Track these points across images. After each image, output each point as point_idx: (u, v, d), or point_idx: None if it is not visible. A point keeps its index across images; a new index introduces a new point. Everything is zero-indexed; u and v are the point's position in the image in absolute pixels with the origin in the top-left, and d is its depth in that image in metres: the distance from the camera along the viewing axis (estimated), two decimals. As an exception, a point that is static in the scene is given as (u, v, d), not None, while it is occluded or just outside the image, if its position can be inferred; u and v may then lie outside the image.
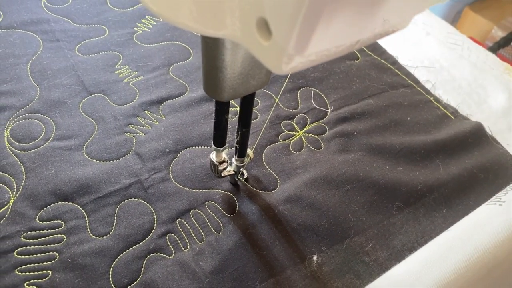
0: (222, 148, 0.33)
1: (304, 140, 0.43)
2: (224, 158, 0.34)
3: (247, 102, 0.30)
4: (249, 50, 0.18)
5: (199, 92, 0.46)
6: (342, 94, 0.48)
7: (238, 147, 0.34)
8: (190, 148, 0.41)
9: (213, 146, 0.32)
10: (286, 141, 0.43)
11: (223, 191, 0.38)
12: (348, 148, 0.43)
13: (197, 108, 0.44)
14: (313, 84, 0.48)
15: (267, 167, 0.40)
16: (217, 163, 0.34)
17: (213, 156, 0.34)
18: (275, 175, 0.40)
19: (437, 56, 0.55)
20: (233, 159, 0.35)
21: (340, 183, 0.39)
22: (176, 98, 0.45)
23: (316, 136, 0.44)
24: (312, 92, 0.48)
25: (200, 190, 0.38)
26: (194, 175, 0.39)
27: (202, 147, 0.41)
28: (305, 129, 0.44)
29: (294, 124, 0.44)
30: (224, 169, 0.35)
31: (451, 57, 0.55)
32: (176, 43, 0.51)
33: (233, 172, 0.36)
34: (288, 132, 0.44)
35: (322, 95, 0.48)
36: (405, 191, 0.39)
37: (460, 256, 0.31)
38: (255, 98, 0.45)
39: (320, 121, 0.45)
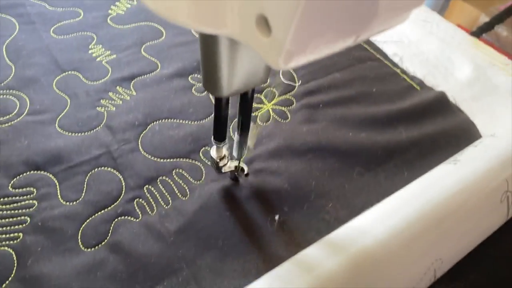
0: (222, 144, 0.33)
1: (271, 112, 0.45)
2: (225, 153, 0.34)
3: (247, 98, 0.30)
4: (249, 47, 0.18)
5: (170, 69, 0.47)
6: (310, 69, 0.49)
7: (238, 142, 0.33)
8: (160, 121, 0.42)
9: (213, 141, 0.32)
10: (254, 113, 0.44)
11: (190, 160, 0.39)
12: (313, 119, 0.44)
13: (168, 84, 0.45)
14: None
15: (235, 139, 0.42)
16: (218, 159, 0.34)
17: (213, 152, 0.34)
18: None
19: (406, 32, 0.57)
20: (234, 154, 0.35)
21: (303, 151, 0.41)
22: (148, 75, 0.46)
23: (283, 108, 0.45)
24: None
25: (168, 160, 0.39)
26: (162, 146, 0.40)
27: (172, 120, 0.42)
28: (273, 102, 0.46)
29: (263, 98, 0.46)
30: (225, 165, 0.35)
31: (421, 33, 0.57)
32: (149, 23, 0.52)
33: (233, 168, 0.36)
34: (256, 104, 0.45)
35: (291, 71, 0.49)
36: (367, 157, 0.41)
37: (411, 208, 0.32)
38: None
39: (288, 94, 0.47)
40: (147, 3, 0.18)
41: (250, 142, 0.34)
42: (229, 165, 0.35)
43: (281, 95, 0.46)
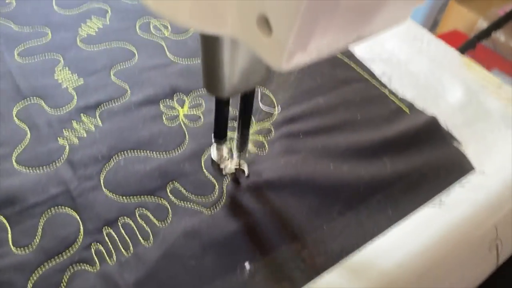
0: (223, 140, 0.33)
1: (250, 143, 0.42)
2: (225, 156, 0.34)
3: (247, 98, 0.29)
4: (250, 47, 0.18)
5: (140, 95, 0.44)
6: (292, 93, 0.46)
7: (238, 142, 0.33)
8: (125, 154, 0.39)
9: (213, 140, 0.32)
10: (227, 144, 0.41)
11: (156, 199, 0.36)
12: (292, 150, 0.41)
13: (136, 112, 0.42)
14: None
15: (206, 173, 0.39)
16: (218, 160, 0.34)
17: (213, 153, 0.34)
18: (214, 180, 0.38)
19: (395, 50, 0.54)
20: (234, 154, 0.34)
21: (280, 187, 0.38)
22: (115, 102, 0.43)
23: (260, 137, 0.42)
24: (259, 92, 0.46)
25: (132, 198, 0.36)
26: (126, 183, 0.37)
27: (139, 152, 0.39)
28: (250, 131, 0.43)
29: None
30: (225, 166, 0.35)
31: (410, 51, 0.54)
32: (122, 44, 0.49)
33: (234, 170, 0.36)
34: (230, 133, 0.42)
35: (270, 95, 0.46)
36: (348, 193, 0.38)
37: (390, 262, 0.29)
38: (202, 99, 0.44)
39: (266, 122, 0.44)
40: (147, 3, 0.19)
41: (250, 144, 0.34)
42: (230, 166, 0.35)
43: (258, 123, 0.43)
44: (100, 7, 0.53)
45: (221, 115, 0.30)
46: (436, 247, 0.30)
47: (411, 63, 0.52)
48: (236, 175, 0.38)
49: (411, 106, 0.47)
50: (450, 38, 1.34)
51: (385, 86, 0.48)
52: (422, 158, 0.41)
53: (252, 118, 0.43)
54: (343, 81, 0.48)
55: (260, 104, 0.45)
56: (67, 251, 0.33)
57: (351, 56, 0.51)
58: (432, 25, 1.52)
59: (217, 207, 0.36)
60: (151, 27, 0.51)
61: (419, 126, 0.44)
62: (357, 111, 0.45)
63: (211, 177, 0.38)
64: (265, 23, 0.16)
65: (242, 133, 0.33)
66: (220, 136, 0.32)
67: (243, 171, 0.37)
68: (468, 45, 1.04)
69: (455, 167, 0.41)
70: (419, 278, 0.28)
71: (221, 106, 0.29)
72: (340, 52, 0.19)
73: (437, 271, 0.29)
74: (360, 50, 0.52)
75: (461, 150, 0.43)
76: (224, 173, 0.35)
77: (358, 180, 0.39)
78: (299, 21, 0.14)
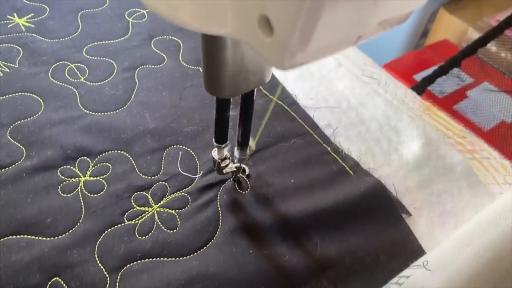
0: (224, 145, 0.32)
1: (156, 218, 0.35)
2: (226, 155, 0.34)
3: (248, 99, 0.29)
4: (251, 47, 0.18)
5: (35, 159, 0.37)
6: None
7: (239, 139, 0.32)
8: (3, 240, 0.33)
9: (214, 143, 0.32)
10: (132, 222, 0.35)
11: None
12: (206, 229, 0.35)
13: (28, 181, 0.36)
14: (184, 141, 0.40)
15: (98, 262, 0.32)
16: (219, 160, 0.33)
17: (214, 153, 0.33)
18: (106, 273, 0.32)
19: (346, 93, 0.47)
20: (235, 152, 0.33)
21: (183, 284, 0.31)
22: (5, 169, 0.37)
23: (173, 211, 0.36)
24: (181, 152, 0.40)
25: (0, 301, 0.30)
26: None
27: (19, 237, 0.33)
28: (161, 202, 0.36)
29: (149, 197, 0.36)
30: (226, 165, 0.34)
31: (363, 94, 0.47)
32: (26, 94, 0.43)
33: (234, 169, 0.36)
34: (138, 208, 0.36)
35: (194, 155, 0.40)
36: (267, 288, 0.31)
37: None
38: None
39: (183, 190, 0.37)
40: (149, 4, 0.19)
41: (252, 142, 0.33)
42: (230, 166, 0.35)
43: (173, 192, 0.37)
44: (10, 47, 0.47)
45: (222, 118, 0.29)
46: None
47: (363, 107, 0.46)
48: (237, 176, 0.37)
49: (356, 166, 0.40)
50: (439, 48, 1.28)
51: (328, 142, 0.42)
52: (360, 238, 0.35)
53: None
54: (281, 136, 0.42)
55: (179, 167, 0.38)
56: None
57: (292, 103, 0.45)
58: (422, 34, 1.47)
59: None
60: (66, 72, 0.45)
61: (361, 194, 0.37)
62: (290, 175, 0.38)
63: (102, 268, 0.32)
64: (266, 23, 0.16)
65: (243, 130, 0.32)
66: (220, 141, 0.32)
67: (244, 171, 0.37)
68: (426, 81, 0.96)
69: (400, 248, 0.34)
70: None
71: (222, 108, 0.29)
72: (340, 52, 0.19)
73: None
74: (305, 96, 0.46)
75: (409, 226, 0.36)
76: (224, 172, 0.34)
77: (281, 268, 0.32)
78: (300, 21, 0.14)
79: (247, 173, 0.38)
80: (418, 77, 1.06)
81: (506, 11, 1.23)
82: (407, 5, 0.18)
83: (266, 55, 0.17)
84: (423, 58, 1.23)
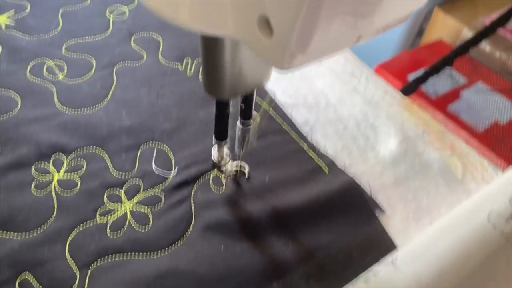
0: (223, 142, 0.32)
1: (129, 215, 0.35)
2: (225, 154, 0.34)
3: (248, 99, 0.29)
4: (250, 48, 0.18)
5: (9, 156, 0.37)
6: (193, 150, 0.40)
7: (243, 108, 0.31)
8: (-26, 236, 0.33)
9: (214, 140, 0.32)
10: (104, 218, 0.35)
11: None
12: (178, 227, 0.35)
13: (1, 179, 0.36)
14: (160, 138, 0.40)
15: (69, 258, 0.32)
16: (218, 162, 0.34)
17: (214, 153, 0.33)
18: (76, 269, 0.32)
19: (325, 91, 0.47)
20: (238, 123, 0.32)
21: (153, 280, 0.31)
22: (-21, 167, 0.37)
23: (146, 209, 0.36)
24: (156, 149, 0.40)
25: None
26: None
27: (-9, 234, 0.33)
28: (134, 199, 0.36)
29: (122, 194, 0.36)
30: (225, 165, 0.35)
31: (342, 91, 0.47)
32: (3, 92, 0.42)
33: (235, 167, 0.36)
34: (111, 205, 0.36)
35: (168, 153, 0.40)
36: (237, 285, 0.31)
37: None
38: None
39: (156, 187, 0.37)
40: (148, 4, 0.19)
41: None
42: (231, 164, 0.35)
43: (147, 189, 0.37)
44: (-11, 45, 0.47)
45: (222, 116, 0.30)
46: None
47: (342, 105, 0.46)
48: (237, 178, 0.38)
49: (331, 164, 0.40)
50: (434, 48, 1.28)
51: (304, 139, 0.42)
52: (331, 236, 0.35)
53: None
54: (257, 133, 0.42)
55: (153, 164, 0.38)
56: None
57: (271, 102, 0.45)
58: (417, 34, 1.46)
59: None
60: (44, 69, 0.45)
61: (336, 191, 0.37)
62: (265, 172, 0.38)
63: (73, 263, 0.32)
64: (266, 24, 0.16)
65: (242, 130, 0.32)
66: (220, 137, 0.32)
67: (244, 173, 0.37)
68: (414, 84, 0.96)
69: (371, 247, 0.34)
70: None
71: (222, 107, 0.29)
72: (340, 52, 0.19)
73: None
74: (284, 93, 0.46)
75: (382, 223, 0.36)
76: (224, 175, 0.35)
77: (252, 266, 0.32)
78: (300, 22, 0.14)
79: (247, 170, 0.37)
80: (413, 76, 1.05)
81: (501, 11, 1.23)
82: (407, 6, 0.18)
83: (266, 56, 0.17)
84: (418, 57, 1.22)
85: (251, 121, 0.32)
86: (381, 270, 0.31)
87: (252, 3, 0.16)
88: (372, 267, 0.32)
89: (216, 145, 0.33)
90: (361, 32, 0.17)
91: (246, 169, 0.37)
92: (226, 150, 0.34)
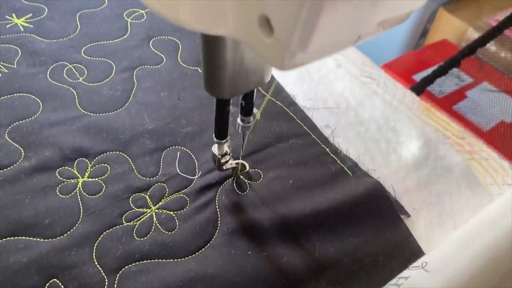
0: (224, 141, 0.33)
1: (155, 219, 0.35)
2: (226, 151, 0.34)
3: (248, 99, 0.29)
4: (250, 48, 0.18)
5: (33, 159, 0.37)
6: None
7: (243, 105, 0.31)
8: (1, 241, 0.33)
9: (214, 139, 0.32)
10: (130, 223, 0.35)
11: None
12: (204, 230, 0.34)
13: (26, 182, 0.36)
14: (183, 142, 0.40)
15: (96, 263, 0.32)
16: (219, 156, 0.34)
17: (215, 149, 0.34)
18: (104, 275, 0.32)
19: (345, 93, 0.47)
20: (238, 119, 0.32)
21: (181, 285, 0.31)
22: (3, 170, 0.37)
23: (171, 213, 0.36)
24: (179, 153, 0.40)
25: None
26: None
27: (16, 238, 0.33)
28: (159, 203, 0.36)
29: (147, 198, 0.36)
30: (226, 161, 0.35)
31: (362, 94, 0.47)
32: (25, 95, 0.42)
33: (235, 165, 0.36)
34: (136, 209, 0.36)
35: (192, 156, 0.40)
36: (265, 289, 0.31)
37: None
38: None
39: (182, 191, 0.37)
40: (148, 3, 0.19)
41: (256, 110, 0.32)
42: (231, 162, 0.35)
43: (172, 193, 0.37)
44: (8, 48, 0.47)
45: (222, 116, 0.30)
46: None
47: (362, 107, 0.46)
48: (237, 172, 0.38)
49: (355, 166, 0.40)
50: (439, 48, 1.28)
51: (327, 142, 0.42)
52: (359, 239, 0.35)
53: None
54: (279, 137, 0.42)
55: (177, 168, 0.38)
56: None
57: (291, 104, 0.45)
58: (422, 34, 1.47)
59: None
60: (64, 72, 0.45)
61: (359, 195, 0.37)
62: (289, 176, 0.38)
63: (101, 269, 0.32)
64: (266, 23, 0.16)
65: (242, 127, 0.32)
66: (221, 136, 0.32)
67: (244, 166, 0.38)
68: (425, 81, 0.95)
69: (398, 250, 0.34)
70: None
71: (222, 107, 0.29)
72: (339, 52, 0.18)
73: None
74: (304, 96, 0.46)
75: (407, 227, 0.36)
76: (224, 168, 0.35)
77: (279, 270, 0.32)
78: (300, 21, 0.14)
79: (247, 169, 0.38)
80: (418, 77, 1.05)
81: (506, 11, 1.23)
82: (407, 5, 0.18)
83: (266, 56, 0.17)
84: (423, 58, 1.22)
85: (251, 118, 0.32)
86: (412, 274, 0.31)
87: (253, 3, 0.16)
88: (402, 272, 0.32)
89: (216, 144, 0.33)
90: (361, 32, 0.18)
91: (247, 165, 0.38)
92: (226, 148, 0.34)
